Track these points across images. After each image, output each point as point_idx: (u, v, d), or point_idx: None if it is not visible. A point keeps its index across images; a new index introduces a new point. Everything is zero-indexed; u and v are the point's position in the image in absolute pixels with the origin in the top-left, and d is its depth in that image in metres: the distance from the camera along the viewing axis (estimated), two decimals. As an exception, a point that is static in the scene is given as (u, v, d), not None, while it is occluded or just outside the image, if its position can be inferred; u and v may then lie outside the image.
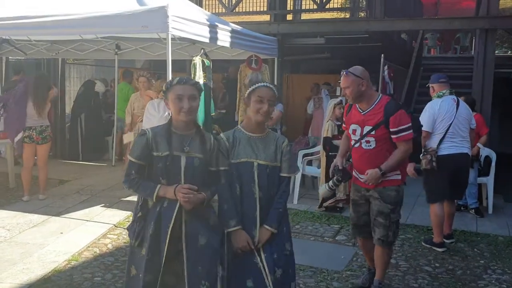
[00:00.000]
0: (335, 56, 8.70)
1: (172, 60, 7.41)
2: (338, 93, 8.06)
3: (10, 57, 10.47)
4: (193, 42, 8.03)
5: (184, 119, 2.66)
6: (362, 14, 10.81)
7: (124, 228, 5.39)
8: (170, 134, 2.68)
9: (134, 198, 6.57)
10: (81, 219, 5.72)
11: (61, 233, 5.21)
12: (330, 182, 3.77)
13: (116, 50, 8.85)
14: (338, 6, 10.34)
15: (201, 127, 2.82)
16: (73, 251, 4.68)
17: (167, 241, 2.62)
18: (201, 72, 6.12)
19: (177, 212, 2.64)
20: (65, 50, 9.19)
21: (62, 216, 5.79)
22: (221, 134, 2.91)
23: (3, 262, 4.35)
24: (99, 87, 9.61)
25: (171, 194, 2.63)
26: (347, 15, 11.90)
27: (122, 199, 6.61)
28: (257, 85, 2.83)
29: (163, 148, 2.65)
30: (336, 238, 5.41)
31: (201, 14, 6.62)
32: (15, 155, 7.73)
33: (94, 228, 5.41)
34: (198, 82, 2.72)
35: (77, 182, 7.60)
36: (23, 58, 10.81)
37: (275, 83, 7.89)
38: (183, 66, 8.75)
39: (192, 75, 6.01)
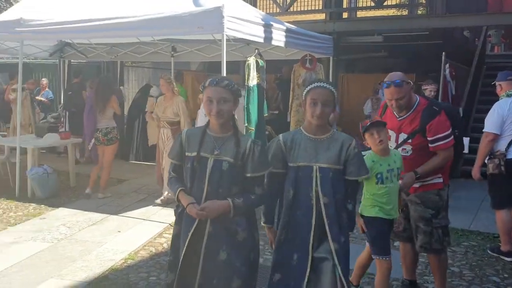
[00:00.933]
0: (393, 54, 8.40)
1: (226, 61, 7.44)
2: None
3: (72, 60, 10.88)
4: (247, 42, 8.01)
5: (215, 122, 2.55)
6: (420, 11, 10.42)
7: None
8: (203, 135, 2.59)
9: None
10: (138, 218, 5.80)
11: (119, 231, 5.30)
12: None
13: (172, 53, 8.98)
14: (396, 3, 9.98)
15: (239, 131, 2.66)
16: (130, 249, 4.74)
17: (186, 246, 2.54)
18: (255, 73, 6.05)
19: (199, 221, 2.53)
20: (124, 53, 9.45)
21: (120, 214, 5.90)
22: (280, 136, 2.75)
23: (63, 258, 4.46)
24: (154, 91, 9.77)
25: (185, 205, 2.55)
26: (405, 12, 11.49)
27: (177, 199, 6.65)
28: (311, 86, 2.62)
29: (194, 148, 2.58)
30: (394, 244, 5.17)
31: (256, 14, 6.56)
32: (86, 157, 8.08)
33: (150, 227, 5.47)
34: (232, 84, 2.54)
35: (134, 182, 7.76)
36: (84, 61, 11.24)
37: (330, 82, 7.71)
38: (237, 68, 8.73)
39: (246, 76, 5.96)
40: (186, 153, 2.62)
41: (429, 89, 6.23)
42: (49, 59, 11.20)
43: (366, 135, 3.18)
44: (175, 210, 2.72)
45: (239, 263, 2.54)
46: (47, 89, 11.08)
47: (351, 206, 2.73)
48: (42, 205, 6.24)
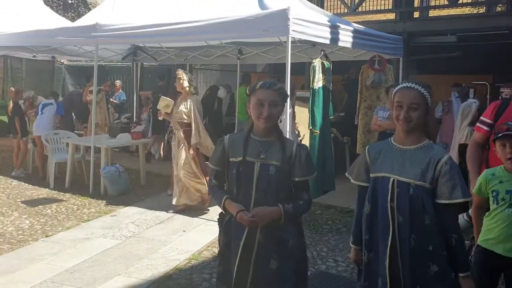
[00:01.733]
0: (468, 55, 7.92)
1: (291, 63, 7.38)
2: (471, 95, 7.33)
3: (144, 63, 11.29)
4: (313, 44, 7.88)
5: (262, 126, 2.46)
6: (500, 9, 9.77)
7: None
8: (247, 139, 2.51)
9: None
10: (202, 218, 5.88)
11: (184, 231, 5.39)
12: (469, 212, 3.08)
13: (238, 55, 9.04)
14: (472, 1, 9.43)
15: (283, 134, 2.59)
16: (193, 250, 4.80)
17: (239, 256, 2.44)
18: (321, 75, 5.94)
19: (249, 229, 2.45)
20: (192, 56, 9.65)
21: (185, 215, 6.00)
22: (368, 146, 2.52)
23: (131, 256, 4.60)
24: (221, 93, 9.93)
25: (234, 213, 2.46)
26: (481, 10, 10.83)
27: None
28: (399, 86, 2.30)
29: (238, 153, 2.50)
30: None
31: (322, 16, 6.44)
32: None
33: (213, 227, 5.42)
34: (283, 88, 2.48)
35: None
36: (156, 64, 11.62)
37: (400, 84, 7.41)
38: (302, 69, 8.63)
39: (311, 78, 5.86)
40: (230, 159, 2.54)
41: (505, 93, 5.74)
42: (123, 62, 11.71)
43: (497, 144, 2.75)
44: (219, 220, 2.65)
45: (289, 272, 2.46)
46: (120, 90, 11.56)
47: (453, 241, 2.21)
48: (113, 203, 6.48)
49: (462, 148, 5.42)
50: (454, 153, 5.59)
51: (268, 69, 12.06)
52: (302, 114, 7.95)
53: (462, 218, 3.14)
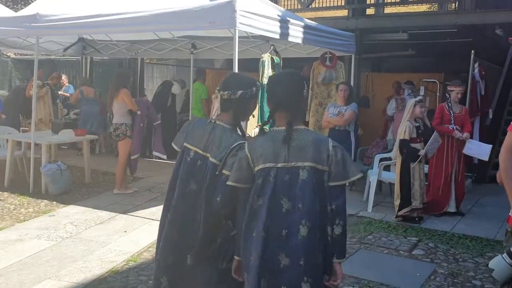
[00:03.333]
0: (420, 53, 8.00)
1: (245, 59, 7.22)
2: (422, 93, 7.40)
3: (94, 57, 10.88)
4: (267, 40, 7.78)
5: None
6: (451, 7, 9.95)
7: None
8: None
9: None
10: (147, 217, 5.66)
11: (125, 231, 5.16)
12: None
13: (191, 50, 8.83)
14: (423, -1, 9.54)
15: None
16: (133, 251, 4.58)
17: None
18: (270, 70, 5.82)
19: None
20: (144, 50, 9.36)
21: (129, 214, 5.77)
22: None
23: (64, 258, 4.34)
24: (176, 89, 9.65)
25: None
26: (434, 8, 11.00)
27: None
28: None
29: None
30: (413, 253, 4.85)
31: (273, 10, 6.31)
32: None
33: (157, 228, 5.29)
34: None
35: (149, 180, 7.64)
36: (106, 58, 11.24)
37: (351, 82, 7.40)
38: (255, 65, 8.49)
39: (260, 73, 5.74)
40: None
41: (455, 91, 5.78)
42: (74, 56, 11.27)
43: None
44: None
45: None
46: (67, 84, 11.11)
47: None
48: (54, 202, 6.17)
49: (401, 142, 5.45)
50: (394, 149, 5.61)
51: (226, 65, 11.87)
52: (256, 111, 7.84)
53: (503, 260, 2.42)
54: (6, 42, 9.49)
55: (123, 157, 6.58)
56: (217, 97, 2.48)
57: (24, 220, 5.43)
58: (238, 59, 8.83)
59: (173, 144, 2.64)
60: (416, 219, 5.66)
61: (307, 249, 2.16)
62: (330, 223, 2.21)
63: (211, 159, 2.42)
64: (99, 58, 11.35)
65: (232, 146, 2.36)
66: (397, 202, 5.63)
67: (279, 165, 2.22)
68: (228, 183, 2.28)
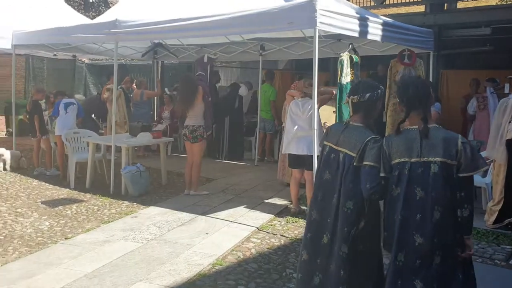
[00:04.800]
0: (501, 48, 7.48)
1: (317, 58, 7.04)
2: (506, 90, 6.91)
3: (165, 61, 11.09)
4: (338, 38, 7.59)
5: None
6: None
7: (267, 232, 5.16)
8: None
9: (276, 200, 6.41)
10: (225, 219, 5.62)
11: (207, 233, 5.13)
12: None
13: (260, 51, 8.77)
14: (505, -9, 8.96)
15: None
16: (217, 254, 4.54)
17: None
18: (349, 69, 5.62)
19: None
20: (213, 53, 9.39)
21: (208, 215, 5.76)
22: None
23: (152, 260, 4.36)
24: (242, 91, 9.63)
25: None
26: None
27: (264, 201, 6.42)
28: None
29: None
30: (510, 262, 4.50)
31: (349, 8, 6.10)
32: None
33: (238, 230, 5.25)
34: None
35: (222, 181, 7.64)
36: (176, 62, 11.42)
37: (430, 79, 7.04)
38: (326, 65, 8.31)
39: (339, 72, 5.55)
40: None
41: None
42: (144, 61, 11.53)
43: None
44: None
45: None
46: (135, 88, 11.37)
47: None
48: (135, 203, 6.28)
49: (509, 143, 5.03)
50: (500, 150, 5.14)
51: (290, 66, 11.75)
52: (324, 112, 7.63)
53: None
54: (82, 48, 9.86)
55: (199, 158, 6.60)
56: (347, 102, 2.92)
57: (109, 221, 5.54)
58: (306, 59, 8.75)
59: (319, 146, 3.22)
60: (509, 226, 5.25)
61: (439, 230, 2.56)
62: (459, 207, 2.57)
63: (347, 152, 2.81)
64: (169, 62, 11.56)
65: (367, 140, 2.74)
66: (496, 207, 5.20)
67: (413, 160, 2.62)
68: (368, 163, 2.71)
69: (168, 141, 7.86)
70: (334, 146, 2.90)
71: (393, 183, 2.66)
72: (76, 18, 9.98)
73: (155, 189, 7.04)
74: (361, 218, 2.76)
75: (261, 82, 9.20)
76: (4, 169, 8.08)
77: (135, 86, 10.19)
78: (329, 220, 2.85)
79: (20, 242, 4.82)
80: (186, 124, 6.54)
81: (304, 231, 3.06)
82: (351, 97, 2.88)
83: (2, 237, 4.96)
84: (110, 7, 15.62)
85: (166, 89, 10.69)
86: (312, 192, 3.07)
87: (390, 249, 2.68)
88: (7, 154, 8.15)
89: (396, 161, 2.65)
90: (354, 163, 2.75)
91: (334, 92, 5.91)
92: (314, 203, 2.98)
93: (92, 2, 16.97)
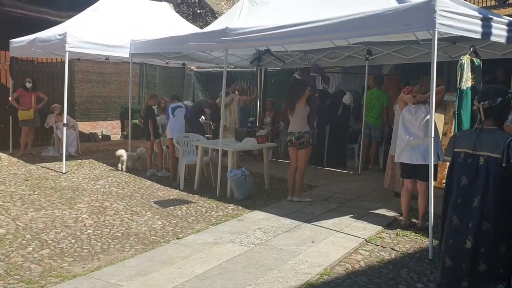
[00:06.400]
0: None
1: (426, 62, 6.61)
2: None
3: (268, 68, 11.15)
4: (454, 41, 7.07)
5: None
6: None
7: (376, 245, 4.89)
8: None
9: (384, 211, 6.08)
10: (331, 228, 5.42)
11: (312, 242, 4.98)
12: None
13: (367, 56, 8.45)
14: None
15: None
16: (324, 264, 4.37)
17: None
18: (469, 74, 5.15)
19: None
20: (317, 59, 9.26)
21: (312, 223, 5.61)
22: None
23: (259, 266, 4.30)
24: (346, 99, 9.35)
25: None
26: None
27: (371, 211, 6.13)
28: None
29: None
30: None
31: (468, 8, 5.61)
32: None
33: (344, 240, 5.03)
34: None
35: (325, 189, 7.46)
36: (279, 68, 11.43)
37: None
38: (440, 69, 7.77)
39: (458, 77, 5.10)
40: None
41: None
42: (247, 68, 11.70)
43: None
44: None
45: None
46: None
47: None
48: (240, 207, 6.32)
49: None
50: None
51: (395, 70, 11.20)
52: (440, 117, 7.13)
53: None
54: (192, 56, 10.23)
55: (304, 165, 6.48)
56: (477, 108, 3.01)
57: (216, 223, 5.61)
58: (413, 63, 8.25)
59: (445, 157, 3.30)
60: None
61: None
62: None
63: (490, 154, 2.89)
64: (271, 68, 11.61)
65: (509, 139, 2.83)
66: None
67: None
68: None
69: (271, 146, 7.83)
70: (471, 151, 2.99)
71: None
72: (187, 28, 10.39)
73: (259, 194, 7.05)
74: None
75: (367, 88, 8.86)
76: (121, 169, 8.61)
77: (237, 93, 10.39)
78: (470, 224, 2.93)
79: (136, 240, 5.04)
80: (291, 130, 6.45)
81: (444, 238, 3.12)
82: (482, 103, 2.96)
83: (120, 234, 5.23)
84: (216, 17, 16.14)
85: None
86: (444, 199, 3.14)
87: None
88: (125, 155, 8.68)
89: None
90: (503, 164, 2.83)
91: (443, 89, 5.48)
92: (454, 209, 3.03)
93: (200, 12, 17.65)
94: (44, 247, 4.78)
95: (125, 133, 13.25)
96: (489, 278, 2.87)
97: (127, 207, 6.29)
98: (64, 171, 8.37)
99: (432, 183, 4.66)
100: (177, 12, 14.33)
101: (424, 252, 4.72)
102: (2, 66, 11.06)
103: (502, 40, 5.50)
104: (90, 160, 9.81)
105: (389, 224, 5.62)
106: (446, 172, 3.17)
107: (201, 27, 13.62)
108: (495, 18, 5.37)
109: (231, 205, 6.42)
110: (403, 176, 5.51)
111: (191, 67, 14.46)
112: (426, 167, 4.78)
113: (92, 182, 7.73)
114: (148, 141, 8.45)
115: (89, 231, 5.30)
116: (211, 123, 10.53)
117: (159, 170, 8.37)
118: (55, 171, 8.56)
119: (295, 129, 6.42)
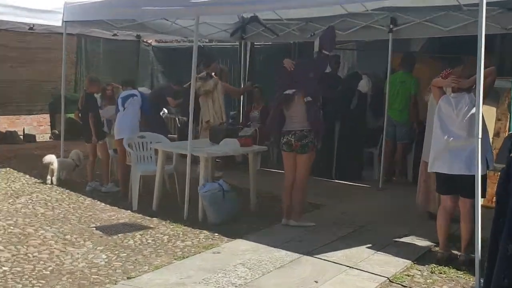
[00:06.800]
0: None
1: (472, 36, 6.70)
2: None
3: (255, 43, 11.21)
4: (509, 7, 7.19)
5: None
6: None
7: (403, 286, 4.94)
8: None
9: (414, 239, 6.14)
10: (341, 263, 5.48)
11: (316, 282, 5.02)
12: None
13: (390, 26, 8.54)
14: None
15: None
16: (333, 313, 4.41)
17: None
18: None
19: None
20: (322, 30, 9.31)
21: (316, 256, 5.66)
22: None
23: (243, 316, 4.32)
24: (363, 86, 9.37)
25: None
26: None
27: (396, 239, 6.20)
28: None
29: None
30: None
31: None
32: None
33: (360, 280, 5.08)
34: None
35: (333, 208, 7.59)
36: (269, 43, 11.50)
37: None
38: (491, 45, 7.88)
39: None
40: None
41: None
42: (227, 42, 11.75)
43: None
44: None
45: None
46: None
47: None
48: (216, 234, 6.34)
49: None
50: None
51: (427, 47, 11.28)
52: (490, 111, 7.23)
53: None
54: (149, 25, 10.23)
55: (305, 176, 6.54)
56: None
57: (183, 257, 5.63)
58: (455, 37, 8.35)
59: (495, 164, 3.64)
60: None
61: None
62: None
63: None
64: (260, 43, 11.68)
65: None
66: None
67: None
68: None
69: (260, 150, 7.85)
70: None
71: None
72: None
73: (242, 216, 7.06)
74: None
75: (390, 71, 8.91)
76: (51, 182, 8.56)
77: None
78: None
79: (71, 280, 5.01)
80: (290, 128, 6.47)
81: (494, 274, 3.29)
82: None
83: (48, 272, 5.20)
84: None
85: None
86: (494, 221, 3.39)
87: None
88: (56, 163, 8.62)
89: None
90: None
91: (494, 71, 5.48)
92: (509, 235, 3.16)
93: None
94: None
95: (56, 131, 13.21)
96: None
97: (58, 235, 6.27)
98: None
99: (480, 201, 4.71)
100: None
101: (469, 295, 4.79)
102: None
103: None
104: (7, 169, 9.76)
105: (421, 257, 5.70)
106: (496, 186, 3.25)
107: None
108: None
109: (204, 231, 6.44)
110: (440, 191, 5.58)
111: (149, 41, 14.48)
112: (472, 179, 4.83)
113: (10, 200, 7.69)
114: (89, 143, 8.43)
115: (4, 268, 5.26)
116: (177, 118, 10.50)
117: (104, 183, 8.34)
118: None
119: (296, 127, 6.45)
